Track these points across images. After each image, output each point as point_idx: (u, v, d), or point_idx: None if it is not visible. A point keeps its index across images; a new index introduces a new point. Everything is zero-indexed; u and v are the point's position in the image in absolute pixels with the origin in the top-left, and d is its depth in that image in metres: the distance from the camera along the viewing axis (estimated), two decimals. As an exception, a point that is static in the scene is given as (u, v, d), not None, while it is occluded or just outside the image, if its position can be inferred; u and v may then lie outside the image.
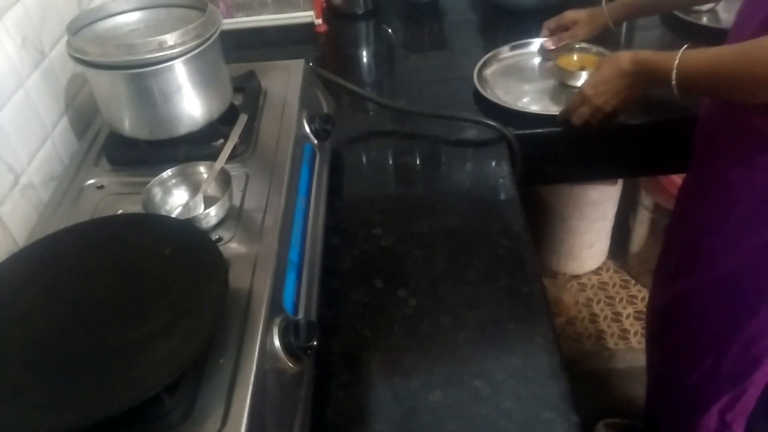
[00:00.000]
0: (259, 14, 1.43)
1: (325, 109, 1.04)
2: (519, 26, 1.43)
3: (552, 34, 1.27)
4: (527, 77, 1.25)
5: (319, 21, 1.43)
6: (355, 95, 1.18)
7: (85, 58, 0.78)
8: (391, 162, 1.08)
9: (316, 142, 0.94)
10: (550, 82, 1.22)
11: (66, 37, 0.80)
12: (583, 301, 1.89)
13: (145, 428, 0.54)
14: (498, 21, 1.48)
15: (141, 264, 0.63)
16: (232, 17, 1.42)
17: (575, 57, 1.23)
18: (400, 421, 0.69)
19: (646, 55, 0.94)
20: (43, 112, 0.90)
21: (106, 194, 0.80)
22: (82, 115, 0.98)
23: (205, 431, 0.53)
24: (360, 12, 1.52)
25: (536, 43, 1.31)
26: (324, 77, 1.09)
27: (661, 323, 1.14)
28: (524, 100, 1.17)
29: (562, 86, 1.19)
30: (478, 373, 0.72)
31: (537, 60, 1.30)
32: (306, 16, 1.43)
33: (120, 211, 0.77)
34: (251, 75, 0.98)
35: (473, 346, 0.75)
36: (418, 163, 1.07)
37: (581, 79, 1.14)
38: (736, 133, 0.88)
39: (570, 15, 1.25)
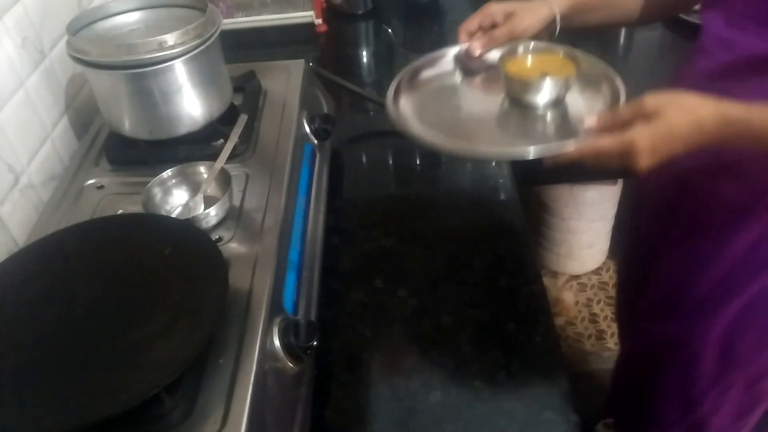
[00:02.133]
0: (259, 14, 1.43)
1: (325, 109, 1.04)
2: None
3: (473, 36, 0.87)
4: (462, 100, 0.86)
5: (319, 21, 1.43)
6: (355, 95, 1.18)
7: (85, 58, 0.78)
8: (391, 162, 1.08)
9: (316, 142, 0.94)
10: (495, 101, 0.82)
11: (66, 37, 0.80)
12: (583, 301, 1.89)
13: (145, 428, 0.53)
14: (498, 21, 1.48)
15: (141, 264, 0.63)
16: (232, 17, 1.42)
17: (529, 61, 0.84)
18: (400, 421, 0.69)
19: (740, 112, 0.64)
20: (43, 112, 0.90)
21: (106, 194, 0.80)
22: (82, 115, 0.98)
23: (205, 431, 0.53)
24: (360, 12, 1.52)
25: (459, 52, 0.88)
26: (324, 77, 1.09)
27: (645, 368, 1.01)
28: (466, 135, 0.77)
29: (516, 104, 0.80)
30: (478, 373, 0.72)
31: (466, 76, 0.88)
32: (306, 16, 1.43)
33: (120, 211, 0.77)
34: (251, 75, 0.98)
35: (473, 346, 0.75)
36: (418, 163, 1.07)
37: (546, 91, 0.77)
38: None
39: (497, 7, 0.85)
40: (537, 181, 1.40)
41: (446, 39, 1.45)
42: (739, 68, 0.72)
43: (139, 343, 0.55)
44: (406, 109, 0.78)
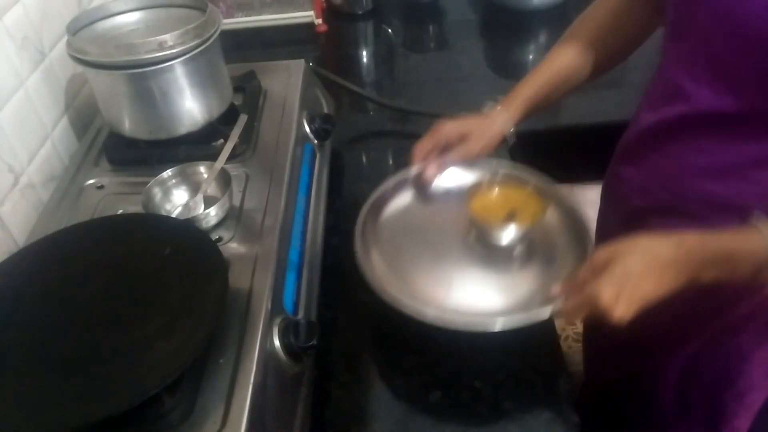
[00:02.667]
0: (259, 14, 1.43)
1: (325, 109, 1.04)
2: (519, 26, 1.43)
3: (427, 158, 0.84)
4: (428, 235, 0.80)
5: (319, 21, 1.43)
6: (355, 95, 1.18)
7: (85, 58, 0.78)
8: (391, 162, 1.08)
9: (316, 142, 0.94)
10: (460, 232, 0.79)
11: (66, 37, 0.80)
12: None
13: (145, 428, 0.53)
14: (498, 21, 1.48)
15: (141, 264, 0.63)
16: (232, 17, 1.42)
17: (494, 194, 0.80)
18: (400, 421, 0.69)
19: (707, 239, 0.62)
20: (43, 112, 0.89)
21: (106, 194, 0.80)
22: (82, 115, 0.98)
23: (205, 431, 0.53)
24: (360, 12, 1.52)
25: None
26: (324, 77, 1.09)
27: (610, 397, 0.97)
28: (435, 286, 0.73)
29: (483, 243, 0.78)
30: (478, 373, 0.72)
31: (428, 201, 0.84)
32: (306, 16, 1.43)
33: (120, 211, 0.77)
34: (251, 75, 0.98)
35: (473, 346, 0.75)
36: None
37: (510, 235, 0.75)
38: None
39: (450, 128, 0.83)
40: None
41: (446, 39, 1.46)
42: (687, 124, 0.70)
43: (139, 343, 0.55)
44: (374, 257, 0.76)
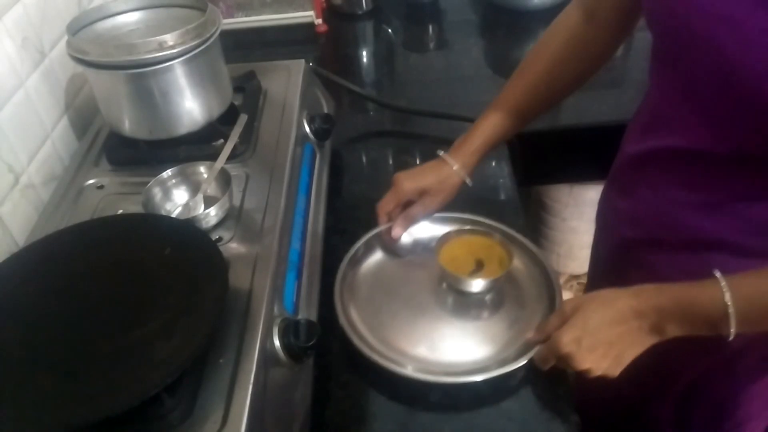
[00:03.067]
0: (259, 14, 1.43)
1: (325, 109, 1.04)
2: (519, 26, 1.43)
3: (392, 217, 0.86)
4: (400, 288, 0.82)
5: (319, 21, 1.43)
6: (355, 95, 1.18)
7: (85, 58, 0.78)
8: (391, 162, 1.08)
9: (316, 142, 0.94)
10: (431, 286, 0.82)
11: (66, 37, 0.80)
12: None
13: (145, 428, 0.53)
14: (498, 21, 1.48)
15: (141, 264, 0.63)
16: (232, 17, 1.42)
17: (462, 245, 0.83)
18: (400, 421, 0.69)
19: (665, 287, 0.63)
20: (43, 112, 0.89)
21: (106, 194, 0.80)
22: (82, 115, 0.98)
23: (205, 431, 0.53)
24: (360, 12, 1.52)
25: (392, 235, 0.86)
26: (324, 77, 1.09)
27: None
28: (415, 340, 0.75)
29: (455, 293, 0.81)
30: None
31: (398, 257, 0.87)
32: (306, 16, 1.43)
33: (120, 211, 0.77)
34: (251, 75, 0.98)
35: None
36: (418, 163, 1.07)
37: (480, 284, 0.79)
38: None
39: (409, 186, 0.85)
40: (537, 181, 1.39)
41: (446, 39, 1.46)
42: (673, 157, 0.68)
43: (139, 343, 0.55)
44: (354, 316, 0.78)
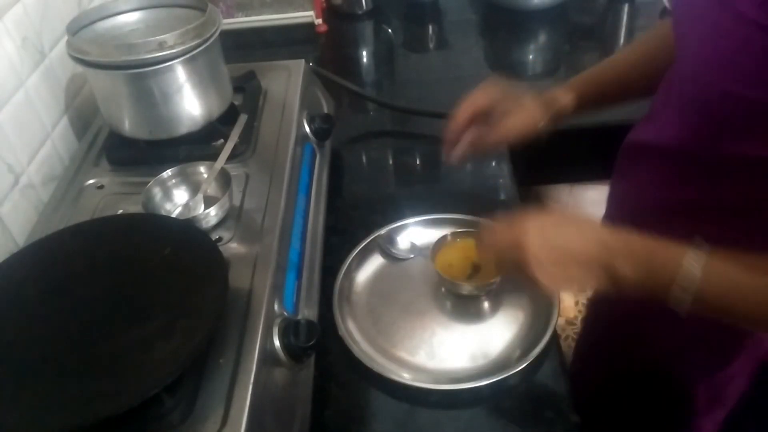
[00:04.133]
0: (259, 14, 1.43)
1: (325, 109, 1.04)
2: (519, 26, 1.43)
3: (459, 136, 0.81)
4: (398, 294, 0.81)
5: (319, 21, 1.43)
6: (355, 95, 1.18)
7: (85, 58, 0.78)
8: (391, 162, 1.08)
9: (316, 142, 0.94)
10: (429, 290, 0.81)
11: (66, 37, 0.80)
12: (583, 301, 1.89)
13: (145, 428, 0.53)
14: (498, 21, 1.48)
15: (141, 264, 0.63)
16: (232, 17, 1.42)
17: (457, 248, 0.82)
18: (400, 421, 0.69)
19: (634, 233, 0.60)
20: (43, 112, 0.89)
21: (106, 194, 0.80)
22: (82, 115, 0.98)
23: (205, 431, 0.53)
24: (360, 12, 1.52)
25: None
26: (324, 77, 1.09)
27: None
28: (416, 346, 0.75)
29: (453, 297, 0.80)
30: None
31: (395, 261, 0.86)
32: (306, 16, 1.43)
33: (120, 211, 0.77)
34: (251, 75, 0.98)
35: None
36: (418, 163, 1.07)
37: (475, 289, 0.79)
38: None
39: (496, 96, 0.79)
40: (537, 181, 1.39)
41: (446, 39, 1.46)
42: (654, 151, 0.69)
43: (139, 343, 0.55)
44: (352, 327, 0.78)
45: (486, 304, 0.80)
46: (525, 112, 0.79)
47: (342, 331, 0.75)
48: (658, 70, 0.72)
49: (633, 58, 0.83)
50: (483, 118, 0.80)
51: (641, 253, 0.59)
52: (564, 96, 0.81)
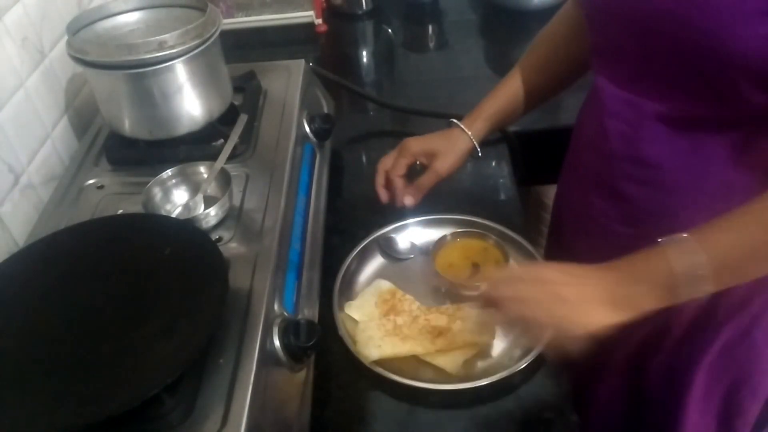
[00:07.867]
0: (259, 14, 1.43)
1: (325, 109, 1.04)
2: (519, 26, 1.43)
3: (390, 183, 0.87)
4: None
5: (319, 21, 1.43)
6: (355, 95, 1.18)
7: (85, 58, 0.78)
8: (391, 162, 1.08)
9: (316, 142, 0.94)
10: (430, 291, 0.81)
11: (66, 37, 0.80)
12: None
13: (145, 428, 0.53)
14: (498, 21, 1.48)
15: (141, 264, 0.63)
16: (232, 17, 1.42)
17: (458, 248, 0.82)
18: (400, 421, 0.69)
19: (614, 262, 0.60)
20: (43, 112, 0.89)
21: (106, 194, 0.80)
22: (82, 115, 0.98)
23: (205, 431, 0.53)
24: (360, 12, 1.52)
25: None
26: (324, 77, 1.09)
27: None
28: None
29: (455, 296, 0.79)
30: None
31: (393, 260, 0.86)
32: (306, 16, 1.42)
33: (120, 211, 0.77)
34: (251, 75, 0.98)
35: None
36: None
37: (475, 289, 0.77)
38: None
39: (417, 146, 0.86)
40: (537, 181, 1.39)
41: (446, 39, 1.46)
42: (650, 126, 0.68)
43: (139, 344, 0.55)
44: (352, 327, 0.77)
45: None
46: (452, 152, 0.86)
47: (342, 331, 0.75)
48: (575, 54, 0.80)
49: (538, 63, 0.88)
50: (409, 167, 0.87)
51: (631, 279, 0.59)
52: (475, 125, 0.87)
